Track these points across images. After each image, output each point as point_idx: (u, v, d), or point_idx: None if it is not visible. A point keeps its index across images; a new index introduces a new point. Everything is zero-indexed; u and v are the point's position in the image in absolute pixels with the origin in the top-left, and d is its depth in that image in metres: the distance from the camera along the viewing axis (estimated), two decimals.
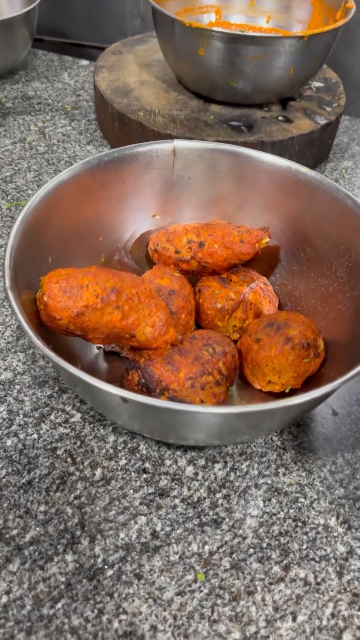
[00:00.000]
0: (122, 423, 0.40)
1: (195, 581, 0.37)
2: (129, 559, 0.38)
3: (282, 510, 0.41)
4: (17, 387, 0.47)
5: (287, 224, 0.52)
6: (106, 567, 0.37)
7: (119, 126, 0.69)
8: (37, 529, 0.39)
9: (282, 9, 0.77)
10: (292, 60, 0.62)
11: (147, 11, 0.69)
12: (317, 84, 0.76)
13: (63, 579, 0.37)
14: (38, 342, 0.35)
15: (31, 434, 0.44)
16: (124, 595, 0.36)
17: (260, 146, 0.65)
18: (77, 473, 0.42)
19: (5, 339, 0.50)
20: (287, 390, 0.46)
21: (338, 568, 0.38)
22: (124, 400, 0.34)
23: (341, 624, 0.36)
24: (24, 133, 0.75)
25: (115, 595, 0.36)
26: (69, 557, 0.38)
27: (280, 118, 0.68)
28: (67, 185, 0.46)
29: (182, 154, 0.52)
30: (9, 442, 0.43)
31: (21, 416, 0.45)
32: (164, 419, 0.36)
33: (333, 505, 0.42)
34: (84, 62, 0.92)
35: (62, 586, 0.36)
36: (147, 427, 0.39)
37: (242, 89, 0.65)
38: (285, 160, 0.50)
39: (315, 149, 0.71)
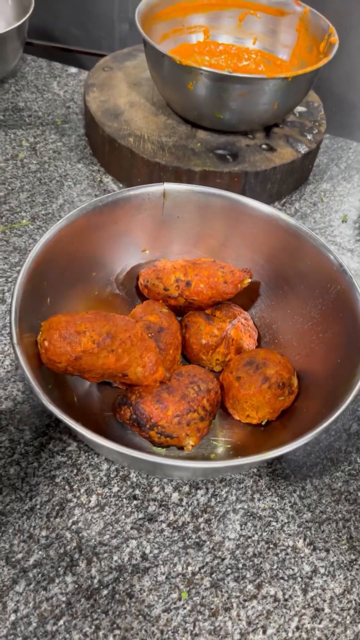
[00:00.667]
0: (112, 459, 0.45)
1: (179, 599, 0.43)
2: (122, 579, 0.43)
3: (257, 533, 0.47)
4: (18, 416, 0.51)
5: (268, 262, 0.57)
6: (101, 587, 0.43)
7: (109, 149, 0.72)
8: (40, 552, 0.44)
9: (268, 32, 0.80)
10: (276, 98, 0.65)
11: (134, 16, 0.72)
12: (300, 108, 0.79)
13: (64, 599, 0.42)
14: (50, 405, 0.39)
15: (32, 462, 0.48)
16: (117, 613, 0.42)
17: (244, 176, 0.68)
18: (75, 500, 0.47)
19: (5, 368, 0.54)
20: (263, 422, 0.51)
21: (303, 586, 0.44)
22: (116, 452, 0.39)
23: (304, 636, 0.42)
24: (16, 149, 0.77)
25: (110, 612, 0.42)
26: (69, 579, 0.43)
27: (263, 146, 0.72)
28: (64, 232, 0.50)
29: (171, 195, 0.55)
30: (11, 470, 0.48)
31: (22, 445, 0.49)
32: (152, 463, 0.41)
33: (301, 529, 0.47)
34: (73, 70, 0.93)
35: (63, 605, 0.42)
36: (135, 466, 0.44)
37: (229, 120, 0.69)
38: (268, 207, 0.54)
39: (297, 175, 0.75)
